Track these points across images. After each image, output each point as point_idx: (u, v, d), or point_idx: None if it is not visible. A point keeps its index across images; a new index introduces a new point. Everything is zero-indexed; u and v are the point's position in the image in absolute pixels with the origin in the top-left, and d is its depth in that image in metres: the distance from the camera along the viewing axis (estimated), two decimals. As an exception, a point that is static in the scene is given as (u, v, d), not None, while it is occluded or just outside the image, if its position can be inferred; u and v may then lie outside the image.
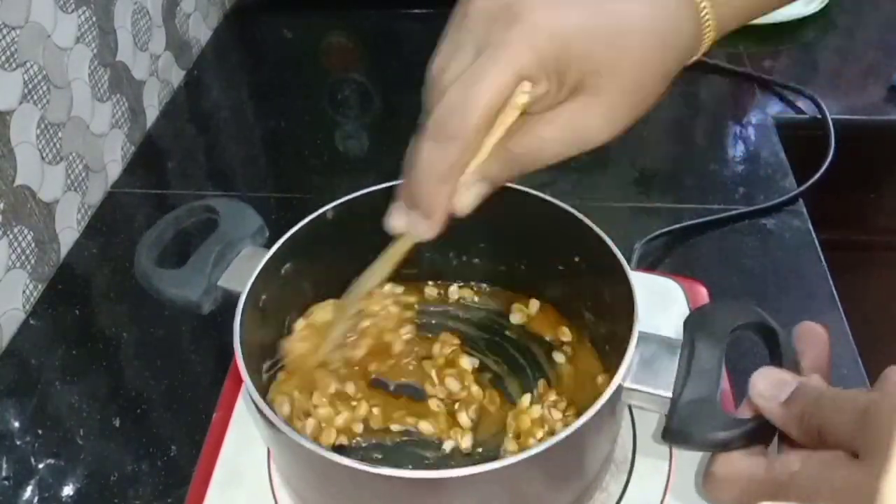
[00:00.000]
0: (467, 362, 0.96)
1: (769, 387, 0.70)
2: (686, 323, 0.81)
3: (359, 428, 0.91)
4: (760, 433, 0.72)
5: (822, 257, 1.20)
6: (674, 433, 0.75)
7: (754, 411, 0.72)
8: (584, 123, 0.69)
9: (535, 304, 1.03)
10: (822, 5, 1.77)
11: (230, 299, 0.89)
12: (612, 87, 0.67)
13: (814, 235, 1.24)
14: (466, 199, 0.71)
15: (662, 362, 0.78)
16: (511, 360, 0.99)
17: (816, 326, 0.78)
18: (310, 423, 0.89)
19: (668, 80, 0.70)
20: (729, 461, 0.72)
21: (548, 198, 0.92)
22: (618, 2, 0.67)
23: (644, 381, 0.77)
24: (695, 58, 0.73)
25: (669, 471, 0.88)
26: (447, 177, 0.69)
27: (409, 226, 0.74)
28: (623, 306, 0.82)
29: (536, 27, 0.65)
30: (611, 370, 0.87)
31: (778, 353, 0.76)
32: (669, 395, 0.76)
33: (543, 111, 0.69)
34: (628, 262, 0.86)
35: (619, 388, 0.76)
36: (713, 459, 0.73)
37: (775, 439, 0.72)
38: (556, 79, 0.66)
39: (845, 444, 0.63)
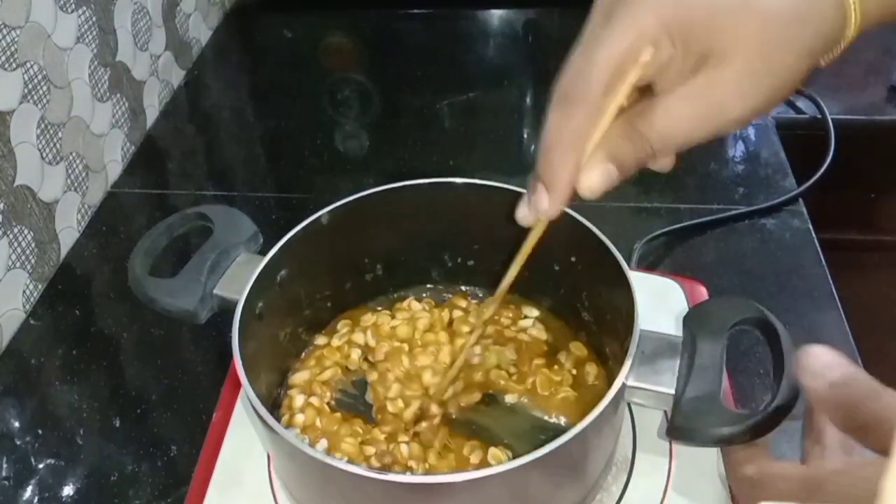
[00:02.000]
0: None
1: (819, 365, 0.69)
2: (685, 320, 0.82)
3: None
4: (764, 427, 0.72)
5: (821, 257, 1.20)
6: (678, 430, 0.75)
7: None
8: (715, 96, 0.65)
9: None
10: (822, 5, 1.76)
11: (226, 306, 0.89)
12: (741, 57, 0.64)
13: (814, 235, 1.24)
14: (593, 178, 0.67)
15: (664, 359, 0.78)
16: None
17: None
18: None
19: (809, 61, 0.65)
20: (760, 463, 0.72)
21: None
22: None
23: (647, 379, 0.77)
24: (841, 47, 0.68)
25: (670, 469, 0.88)
26: (570, 144, 0.67)
27: (533, 204, 0.71)
28: (623, 306, 0.82)
29: None
30: (610, 370, 0.87)
31: (778, 348, 0.76)
32: (672, 391, 0.76)
33: (672, 85, 0.66)
34: (628, 262, 0.87)
35: (623, 387, 0.76)
36: (743, 460, 0.73)
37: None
38: (682, 44, 0.64)
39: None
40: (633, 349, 0.77)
